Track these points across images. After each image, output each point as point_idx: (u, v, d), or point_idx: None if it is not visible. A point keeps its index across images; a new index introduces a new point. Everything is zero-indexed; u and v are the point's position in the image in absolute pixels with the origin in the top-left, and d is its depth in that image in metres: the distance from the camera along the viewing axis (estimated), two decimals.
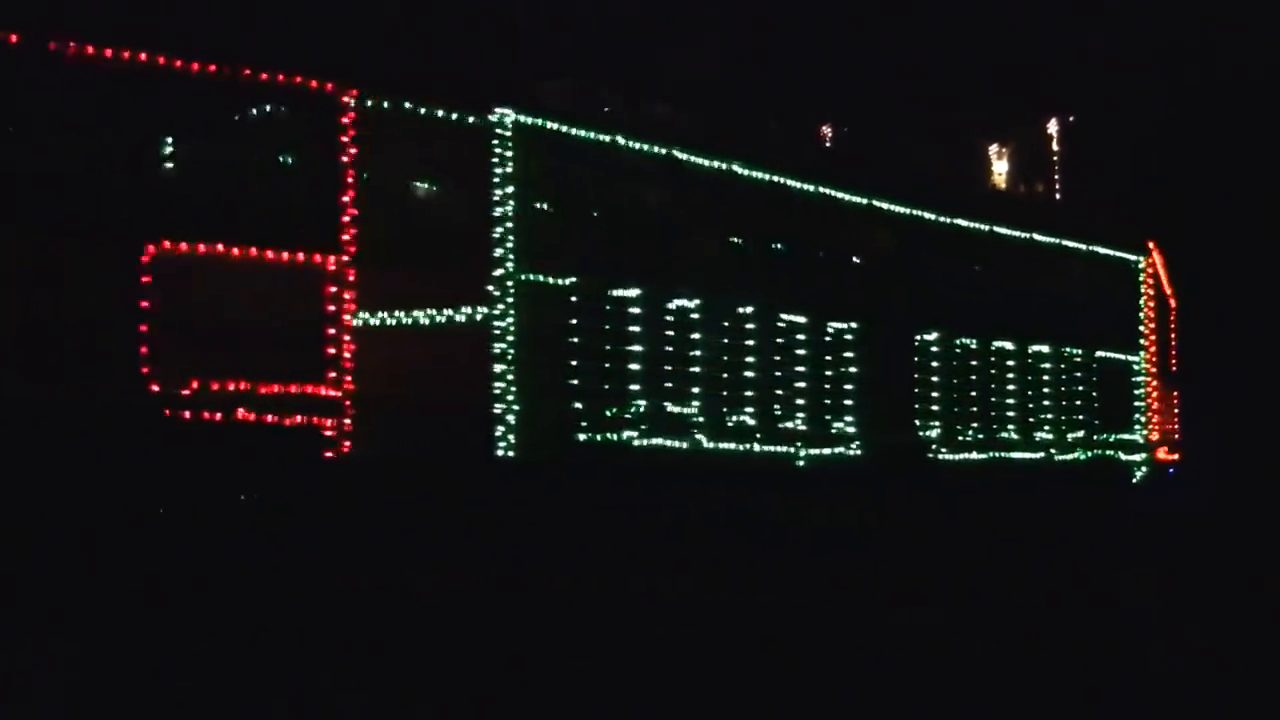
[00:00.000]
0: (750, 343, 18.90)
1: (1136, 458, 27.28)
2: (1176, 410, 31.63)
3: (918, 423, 21.68)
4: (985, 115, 27.77)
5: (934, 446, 21.84)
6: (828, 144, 29.80)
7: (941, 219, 22.68)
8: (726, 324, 18.59)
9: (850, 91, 27.91)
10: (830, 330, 20.18)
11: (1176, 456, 38.23)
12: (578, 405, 16.47)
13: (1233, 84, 34.03)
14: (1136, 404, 27.32)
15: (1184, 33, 33.91)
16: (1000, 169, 28.68)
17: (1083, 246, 26.22)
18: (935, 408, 21.90)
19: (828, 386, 20.10)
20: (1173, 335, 29.16)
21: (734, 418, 18.55)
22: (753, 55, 28.58)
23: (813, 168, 20.33)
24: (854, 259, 21.33)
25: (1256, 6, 32.87)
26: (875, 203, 21.34)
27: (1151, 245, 28.66)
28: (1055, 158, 29.52)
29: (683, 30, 27.39)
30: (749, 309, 18.91)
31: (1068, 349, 25.11)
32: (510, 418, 15.64)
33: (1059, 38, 33.35)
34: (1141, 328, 27.64)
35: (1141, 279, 27.57)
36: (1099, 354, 26.07)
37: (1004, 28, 32.27)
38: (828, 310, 20.11)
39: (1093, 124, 29.66)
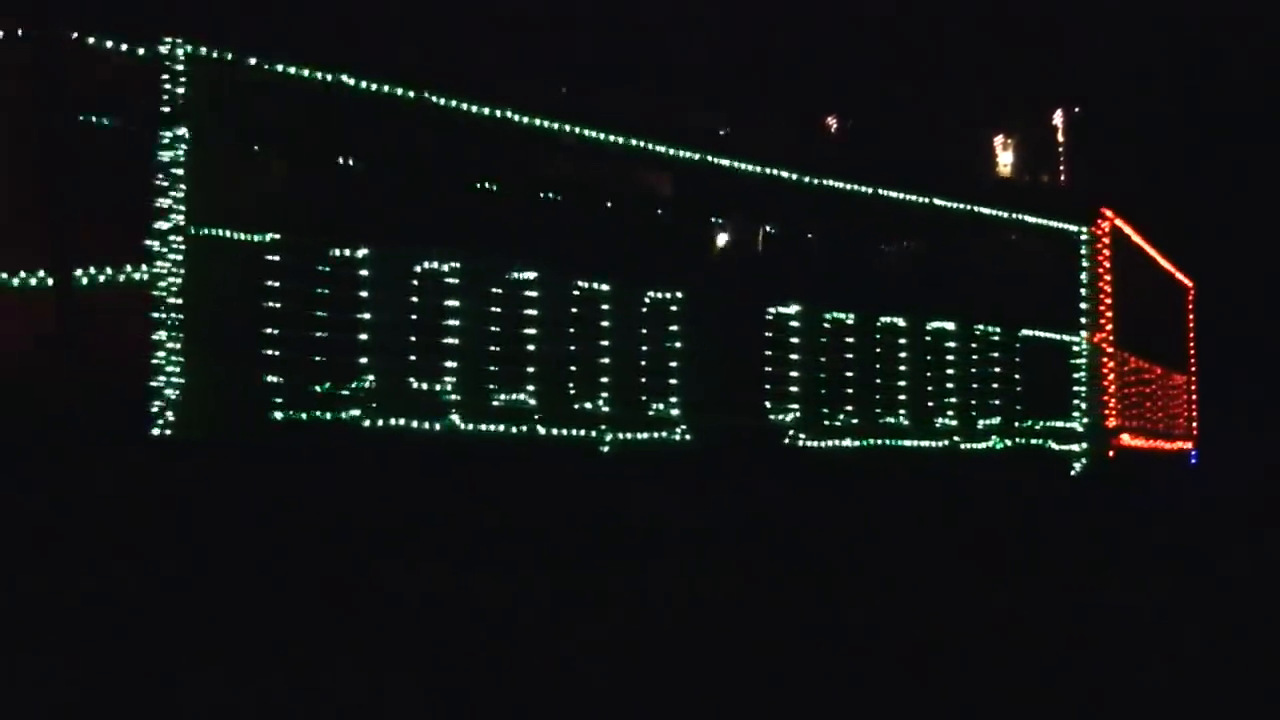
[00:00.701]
0: (532, 312, 16.71)
1: (1076, 447, 24.62)
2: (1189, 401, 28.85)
3: (769, 405, 19.33)
4: (991, 106, 28.19)
5: (791, 432, 19.48)
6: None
7: (810, 180, 20.30)
8: (499, 291, 16.42)
9: (855, 81, 28.29)
10: (647, 300, 17.92)
11: (1188, 447, 35.20)
12: (275, 379, 14.38)
13: (1240, 75, 34.48)
14: (1076, 388, 24.66)
15: (1192, 23, 34.51)
16: (1006, 160, 28.87)
17: (1006, 214, 23.67)
18: (794, 389, 19.53)
19: (643, 364, 17.85)
20: (1131, 312, 26.47)
21: (506, 396, 16.37)
22: (759, 43, 28.96)
23: (620, 111, 18.07)
24: (686, 219, 19.03)
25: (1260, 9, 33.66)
26: (714, 158, 19.02)
27: (1109, 215, 25.98)
28: (1061, 149, 29.84)
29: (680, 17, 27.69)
30: (530, 274, 16.72)
31: (982, 326, 22.58)
32: (170, 391, 13.61)
33: (1066, 29, 33.53)
34: (1085, 304, 24.99)
35: (1085, 251, 24.92)
36: (1025, 333, 23.49)
37: (1010, 19, 32.36)
38: (643, 277, 17.86)
39: (1100, 116, 30.16)
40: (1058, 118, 30.74)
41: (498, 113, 16.54)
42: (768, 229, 19.93)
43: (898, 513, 20.27)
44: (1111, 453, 26.11)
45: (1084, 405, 24.72)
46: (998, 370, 22.77)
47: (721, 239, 20.03)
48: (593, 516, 16.81)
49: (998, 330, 22.76)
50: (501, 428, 16.25)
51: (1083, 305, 24.82)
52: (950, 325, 21.86)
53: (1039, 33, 32.52)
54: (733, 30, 29.66)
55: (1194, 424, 37.72)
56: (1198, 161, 35.19)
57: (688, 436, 18.07)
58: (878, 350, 20.72)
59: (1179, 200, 34.77)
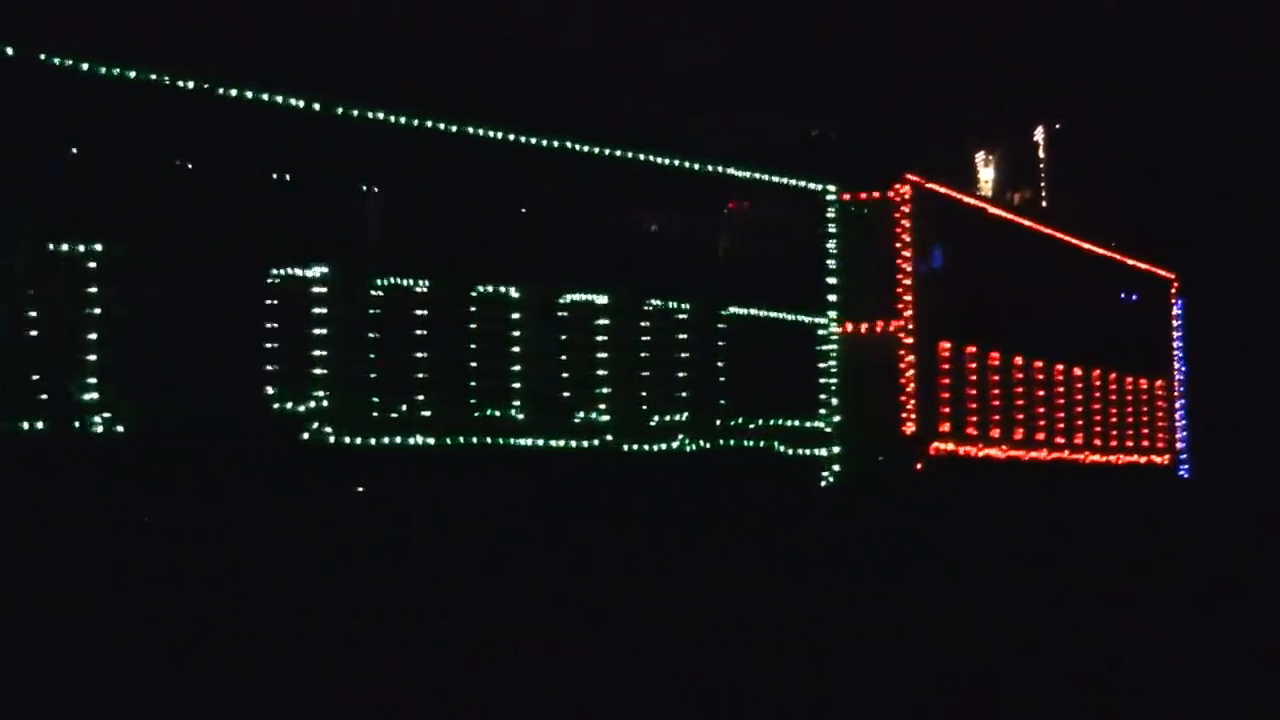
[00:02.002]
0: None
1: (824, 452, 20.22)
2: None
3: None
4: (975, 122, 27.66)
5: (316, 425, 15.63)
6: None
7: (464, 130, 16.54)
8: None
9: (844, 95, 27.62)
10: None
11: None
12: None
13: (1221, 89, 33.95)
14: (824, 380, 20.29)
15: (1173, 40, 33.97)
16: (987, 176, 28.07)
17: (718, 169, 19.43)
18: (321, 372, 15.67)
19: None
20: (933, 296, 21.93)
21: None
22: (743, 58, 28.23)
23: None
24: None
25: (1242, 14, 32.99)
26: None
27: (914, 179, 21.54)
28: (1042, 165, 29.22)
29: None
30: None
31: (659, 302, 18.46)
32: None
33: (1048, 45, 33.01)
34: (831, 279, 20.62)
35: (829, 215, 20.55)
36: (733, 311, 19.23)
37: (993, 35, 32.09)
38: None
39: (1082, 131, 29.70)
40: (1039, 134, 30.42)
41: None
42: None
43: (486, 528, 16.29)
44: (920, 464, 21.62)
45: (835, 402, 20.30)
46: (684, 355, 18.57)
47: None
48: None
49: (684, 307, 18.59)
50: None
51: (829, 280, 20.41)
52: (601, 299, 17.78)
53: (1023, 46, 32.35)
54: (716, 38, 28.70)
55: (1177, 434, 32.51)
56: (1182, 169, 34.97)
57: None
58: (472, 327, 16.78)
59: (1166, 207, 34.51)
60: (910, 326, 21.40)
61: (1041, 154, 30.27)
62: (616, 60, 26.53)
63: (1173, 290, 32.79)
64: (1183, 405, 33.92)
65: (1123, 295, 32.01)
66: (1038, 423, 26.12)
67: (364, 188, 15.93)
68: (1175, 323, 32.83)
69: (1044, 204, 30.03)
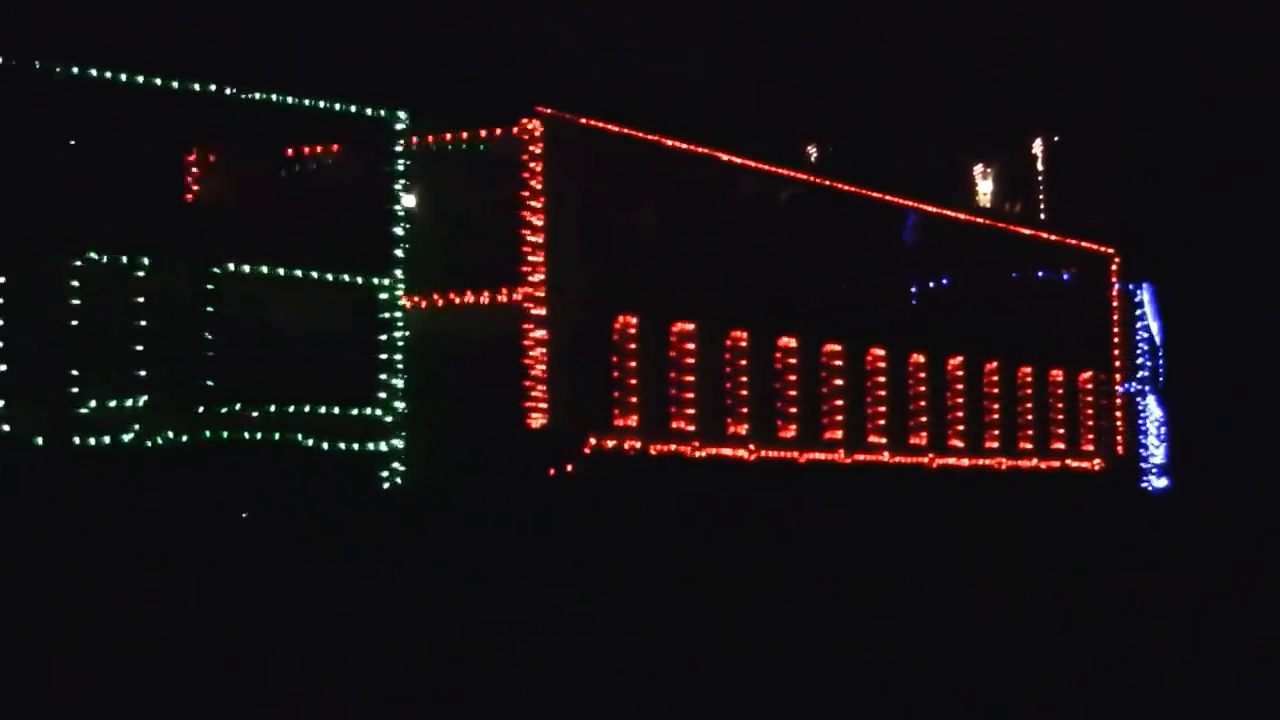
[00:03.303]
0: None
1: (383, 446, 16.55)
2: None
3: None
4: (970, 134, 27.83)
5: None
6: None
7: None
8: None
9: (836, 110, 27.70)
10: None
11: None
12: None
13: (1215, 102, 33.50)
14: (384, 356, 16.64)
15: (1167, 53, 33.69)
16: (985, 188, 27.77)
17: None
18: None
19: None
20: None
21: None
22: (739, 73, 27.98)
23: None
24: None
25: (1237, 27, 33.08)
26: None
27: (551, 113, 17.78)
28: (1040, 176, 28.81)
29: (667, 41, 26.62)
30: None
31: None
32: None
33: (1043, 58, 32.74)
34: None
35: (397, 152, 16.84)
36: (243, 269, 15.73)
37: (989, 48, 31.99)
38: None
39: (1078, 143, 29.68)
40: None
41: None
42: None
43: None
44: (569, 464, 17.81)
45: (401, 385, 16.59)
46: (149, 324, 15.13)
47: None
48: None
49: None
50: None
51: (396, 233, 16.70)
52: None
53: (1016, 60, 32.17)
54: (714, 58, 28.82)
55: (1118, 435, 27.63)
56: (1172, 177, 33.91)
57: None
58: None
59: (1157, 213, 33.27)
60: (541, 295, 17.56)
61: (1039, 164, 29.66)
62: None
63: (1113, 268, 27.90)
64: (1146, 405, 28.97)
65: (1026, 273, 27.36)
66: (834, 418, 21.87)
67: None
68: (1115, 304, 27.90)
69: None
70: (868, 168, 22.98)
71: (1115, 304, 27.88)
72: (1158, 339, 31.41)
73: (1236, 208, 32.86)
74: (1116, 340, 27.82)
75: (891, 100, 29.93)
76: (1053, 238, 27.37)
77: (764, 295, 21.01)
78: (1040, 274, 27.64)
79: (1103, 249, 27.94)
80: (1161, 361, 29.26)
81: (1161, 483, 31.13)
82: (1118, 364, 27.81)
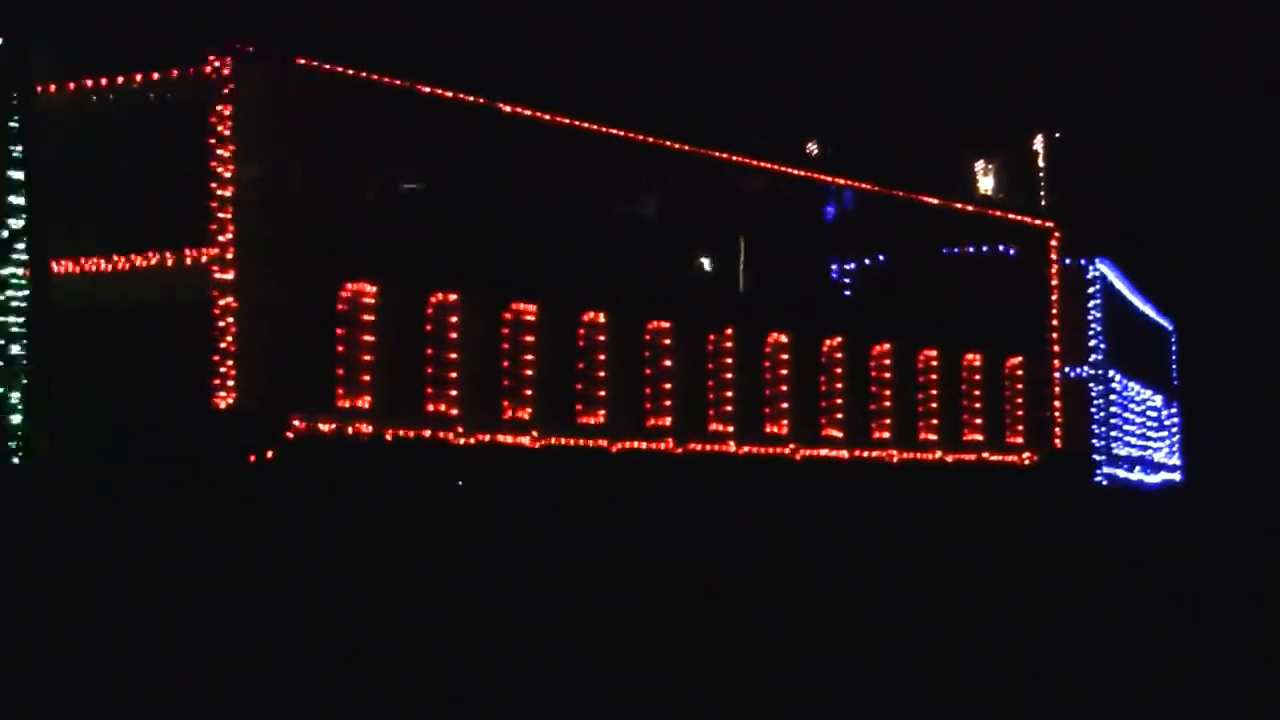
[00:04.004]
0: None
1: None
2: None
3: None
4: (973, 130, 27.64)
5: None
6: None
7: None
8: None
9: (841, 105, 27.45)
10: None
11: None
12: None
13: (1218, 100, 34.15)
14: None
15: (1169, 51, 34.10)
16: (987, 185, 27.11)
17: None
18: None
19: None
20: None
21: None
22: (742, 68, 27.67)
23: None
24: None
25: (1240, 26, 33.15)
26: None
27: (243, 49, 15.80)
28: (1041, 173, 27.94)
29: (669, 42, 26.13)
30: None
31: None
32: None
33: (1046, 55, 32.61)
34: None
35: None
36: None
37: (992, 45, 31.87)
38: None
39: (1080, 140, 29.25)
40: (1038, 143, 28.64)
41: None
42: None
43: None
44: (269, 450, 15.92)
45: (22, 358, 14.72)
46: None
47: None
48: None
49: None
50: None
51: (13, 201, 14.79)
52: None
53: (1020, 59, 31.78)
54: (717, 54, 27.70)
55: (1057, 425, 24.93)
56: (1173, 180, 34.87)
57: None
58: None
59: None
60: (230, 258, 15.56)
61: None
62: None
63: (1052, 243, 25.13)
64: (1097, 394, 26.20)
65: (947, 250, 24.75)
66: (662, 403, 19.59)
67: None
68: (1054, 282, 25.14)
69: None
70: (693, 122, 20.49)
71: (1055, 282, 25.11)
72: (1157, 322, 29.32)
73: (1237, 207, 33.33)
74: (1056, 322, 25.05)
75: (892, 97, 29.05)
76: (981, 211, 24.75)
77: (567, 266, 18.81)
78: (967, 250, 25.01)
79: (1041, 223, 25.21)
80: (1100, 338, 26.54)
81: (1135, 475, 28.38)
82: (1057, 347, 25.03)
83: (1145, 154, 33.20)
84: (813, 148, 28.12)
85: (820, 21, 29.66)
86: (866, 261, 24.29)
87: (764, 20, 29.24)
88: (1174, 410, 32.68)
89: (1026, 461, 24.36)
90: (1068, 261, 25.83)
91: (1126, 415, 28.31)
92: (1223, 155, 34.77)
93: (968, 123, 28.27)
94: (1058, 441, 24.89)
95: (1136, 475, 28.80)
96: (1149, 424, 30.71)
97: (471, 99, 17.79)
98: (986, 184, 28.18)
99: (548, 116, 18.53)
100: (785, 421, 20.98)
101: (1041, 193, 29.65)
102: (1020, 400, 24.45)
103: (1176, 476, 32.97)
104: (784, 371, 21.00)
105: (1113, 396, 27.19)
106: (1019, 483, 24.09)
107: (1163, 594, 15.80)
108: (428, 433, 17.08)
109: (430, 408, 17.15)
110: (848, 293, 23.15)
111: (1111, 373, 27.06)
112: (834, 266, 23.70)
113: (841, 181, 22.73)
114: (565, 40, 25.03)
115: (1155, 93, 33.64)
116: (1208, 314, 34.24)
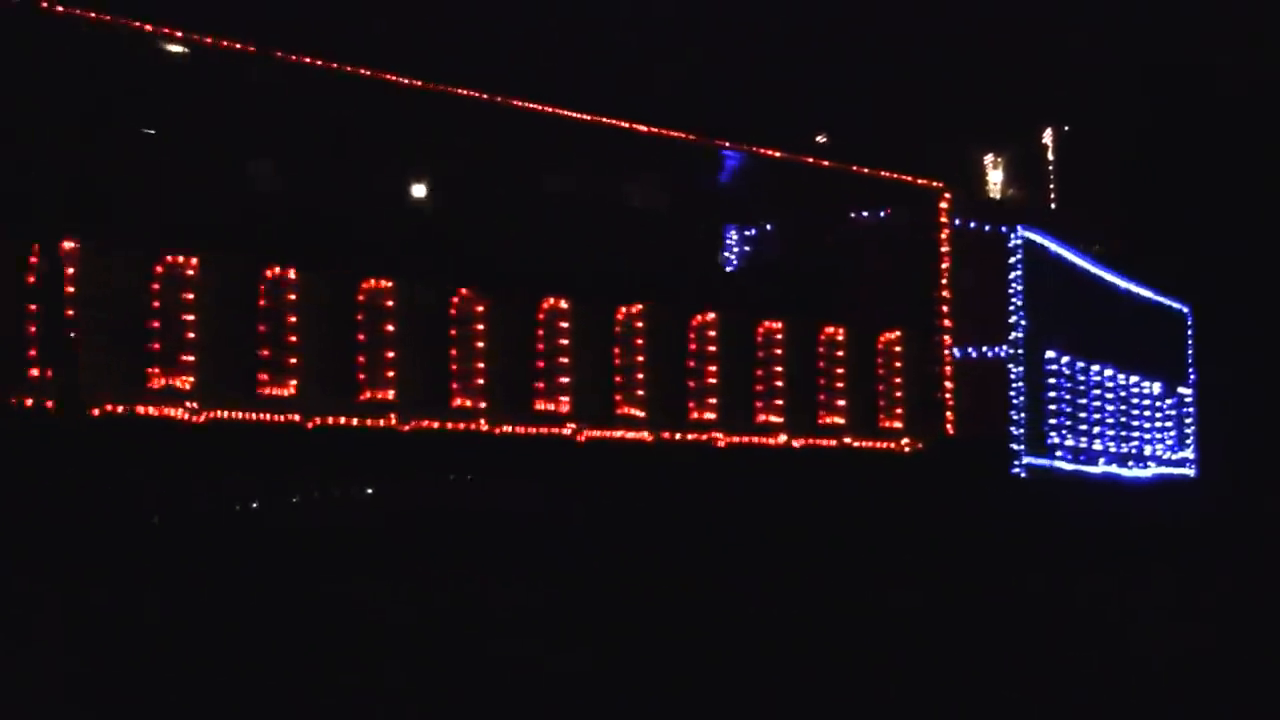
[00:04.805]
0: None
1: None
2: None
3: None
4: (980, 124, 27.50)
5: None
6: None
7: None
8: None
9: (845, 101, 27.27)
10: None
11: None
12: None
13: (1225, 96, 33.94)
14: None
15: (1176, 45, 33.65)
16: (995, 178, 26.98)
17: None
18: None
19: None
20: None
21: None
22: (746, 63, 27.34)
23: None
24: None
25: (1246, 22, 32.85)
26: None
27: None
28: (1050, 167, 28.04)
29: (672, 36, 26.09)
30: None
31: None
32: None
33: (1053, 48, 32.05)
34: None
35: None
36: None
37: (998, 38, 31.30)
38: None
39: (1088, 134, 29.36)
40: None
41: None
42: None
43: None
44: None
45: None
46: None
47: None
48: None
49: None
50: None
51: None
52: None
53: (1027, 52, 31.24)
54: (719, 43, 27.38)
55: (948, 410, 22.44)
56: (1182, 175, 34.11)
57: None
58: None
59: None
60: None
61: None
62: None
63: (942, 205, 22.59)
64: (1017, 375, 23.49)
65: (809, 212, 22.45)
66: (473, 382, 17.79)
67: None
68: (944, 249, 22.56)
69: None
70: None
71: (945, 249, 22.52)
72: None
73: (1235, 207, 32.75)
74: (948, 294, 22.45)
75: (894, 93, 28.48)
76: (861, 171, 22.34)
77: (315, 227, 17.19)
78: (845, 215, 22.63)
79: (929, 183, 22.65)
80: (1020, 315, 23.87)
81: (1097, 469, 25.58)
82: (947, 322, 22.42)
83: (1159, 142, 32.79)
84: (821, 139, 26.20)
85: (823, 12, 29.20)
86: (723, 229, 22.13)
87: (764, 14, 28.56)
88: (1180, 399, 29.51)
89: (906, 449, 21.80)
90: (974, 226, 23.19)
91: (1079, 402, 25.39)
92: (1245, 141, 33.74)
93: (975, 117, 28.12)
94: (949, 427, 22.25)
95: (1100, 469, 25.88)
96: (1132, 413, 27.68)
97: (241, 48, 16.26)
98: (995, 177, 27.94)
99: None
100: (565, 397, 18.92)
101: (1051, 187, 29.34)
102: (899, 380, 21.93)
103: (1187, 471, 29.78)
104: (562, 341, 18.94)
105: (1051, 380, 24.36)
106: (893, 472, 21.55)
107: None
108: (154, 410, 15.50)
109: (167, 382, 15.61)
110: (658, 257, 20.89)
111: (1049, 354, 24.27)
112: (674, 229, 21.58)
113: (690, 137, 20.63)
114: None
115: (1170, 85, 33.15)
116: (1228, 298, 31.19)
